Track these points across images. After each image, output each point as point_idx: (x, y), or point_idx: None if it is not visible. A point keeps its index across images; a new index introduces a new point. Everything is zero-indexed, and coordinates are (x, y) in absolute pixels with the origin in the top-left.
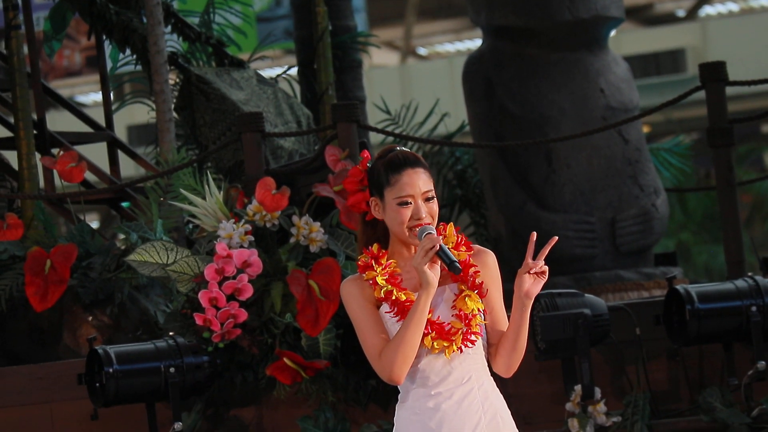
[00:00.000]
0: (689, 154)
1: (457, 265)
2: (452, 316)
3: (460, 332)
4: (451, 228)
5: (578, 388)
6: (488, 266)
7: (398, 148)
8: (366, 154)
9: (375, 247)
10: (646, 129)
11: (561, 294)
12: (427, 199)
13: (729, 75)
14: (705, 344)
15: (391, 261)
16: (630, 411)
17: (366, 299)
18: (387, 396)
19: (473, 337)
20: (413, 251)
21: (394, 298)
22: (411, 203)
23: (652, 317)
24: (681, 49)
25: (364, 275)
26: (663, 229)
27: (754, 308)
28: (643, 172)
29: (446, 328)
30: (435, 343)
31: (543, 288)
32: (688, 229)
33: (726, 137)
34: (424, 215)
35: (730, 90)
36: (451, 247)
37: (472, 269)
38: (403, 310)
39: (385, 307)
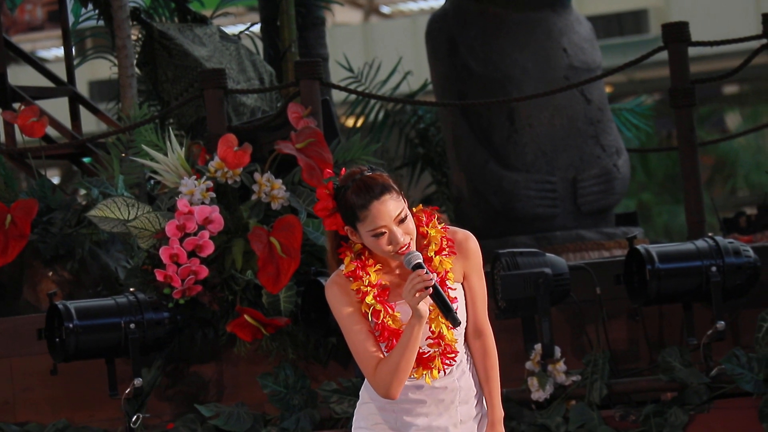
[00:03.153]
0: (651, 114)
1: (455, 315)
2: (426, 339)
3: (437, 356)
4: (434, 225)
5: (538, 347)
6: (470, 253)
7: (360, 176)
8: (328, 172)
9: (358, 247)
10: (608, 89)
11: (522, 253)
12: (401, 221)
13: (691, 35)
14: (665, 304)
15: (378, 268)
16: (589, 370)
17: (354, 306)
18: (347, 354)
19: (451, 355)
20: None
21: (380, 321)
22: (385, 232)
23: (612, 277)
24: (644, 9)
25: (350, 280)
26: (624, 189)
27: (713, 268)
28: (605, 132)
29: (424, 355)
30: (415, 373)
31: (504, 247)
32: (649, 189)
33: (688, 98)
34: (401, 239)
35: (692, 51)
36: (435, 250)
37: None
38: (388, 337)
39: (370, 318)
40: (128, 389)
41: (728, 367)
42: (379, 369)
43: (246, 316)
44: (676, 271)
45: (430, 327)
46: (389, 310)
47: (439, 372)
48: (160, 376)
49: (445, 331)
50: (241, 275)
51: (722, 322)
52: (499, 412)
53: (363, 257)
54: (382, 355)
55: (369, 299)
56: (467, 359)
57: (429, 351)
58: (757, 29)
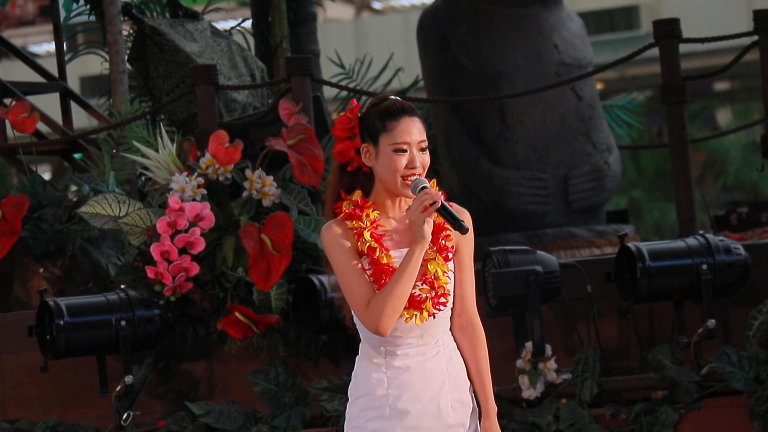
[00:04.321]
0: (642, 111)
1: (463, 223)
2: (420, 281)
3: (428, 299)
4: (433, 184)
5: (529, 345)
6: None
7: (393, 97)
8: (355, 102)
9: (357, 195)
10: (599, 86)
11: (513, 251)
12: (422, 149)
13: (683, 32)
14: (655, 302)
15: (377, 213)
16: (580, 368)
17: (351, 244)
18: (338, 351)
19: (443, 300)
20: (398, 204)
21: (376, 256)
22: (407, 150)
23: (603, 275)
24: (635, 5)
25: (347, 222)
26: (615, 187)
27: (704, 266)
28: (596, 128)
29: (416, 297)
30: (406, 313)
31: (495, 245)
32: (640, 186)
33: (679, 94)
34: (418, 164)
35: (683, 47)
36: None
37: (443, 232)
38: (380, 273)
39: (364, 261)
40: (119, 387)
41: (719, 365)
42: (372, 301)
43: (237, 314)
44: (667, 269)
45: (425, 270)
46: (384, 250)
47: (429, 315)
48: (150, 373)
49: (440, 273)
50: (232, 272)
51: (713, 320)
52: (493, 404)
53: (361, 201)
54: (375, 293)
55: (366, 235)
56: (454, 345)
57: (421, 294)
58: (749, 26)
